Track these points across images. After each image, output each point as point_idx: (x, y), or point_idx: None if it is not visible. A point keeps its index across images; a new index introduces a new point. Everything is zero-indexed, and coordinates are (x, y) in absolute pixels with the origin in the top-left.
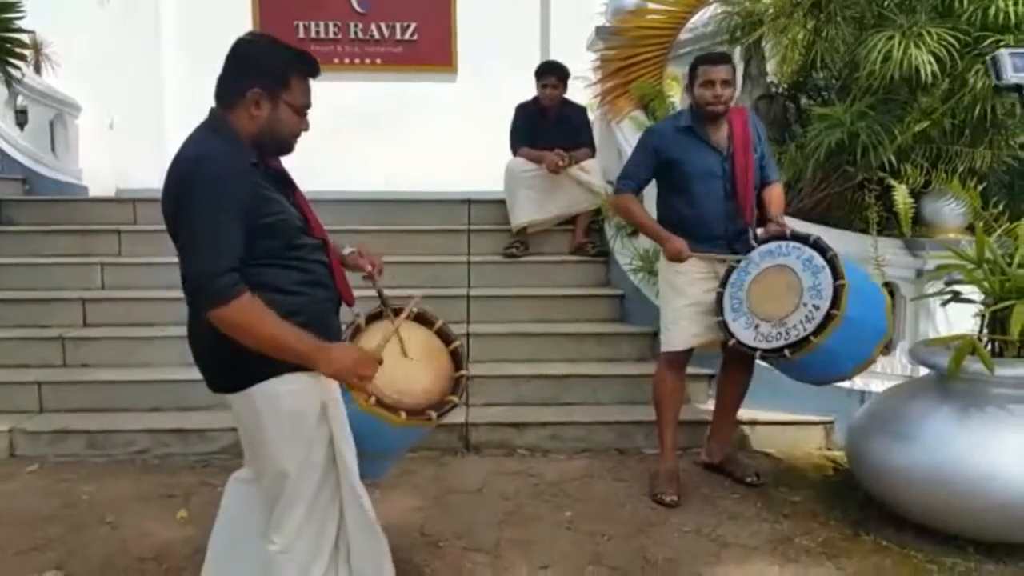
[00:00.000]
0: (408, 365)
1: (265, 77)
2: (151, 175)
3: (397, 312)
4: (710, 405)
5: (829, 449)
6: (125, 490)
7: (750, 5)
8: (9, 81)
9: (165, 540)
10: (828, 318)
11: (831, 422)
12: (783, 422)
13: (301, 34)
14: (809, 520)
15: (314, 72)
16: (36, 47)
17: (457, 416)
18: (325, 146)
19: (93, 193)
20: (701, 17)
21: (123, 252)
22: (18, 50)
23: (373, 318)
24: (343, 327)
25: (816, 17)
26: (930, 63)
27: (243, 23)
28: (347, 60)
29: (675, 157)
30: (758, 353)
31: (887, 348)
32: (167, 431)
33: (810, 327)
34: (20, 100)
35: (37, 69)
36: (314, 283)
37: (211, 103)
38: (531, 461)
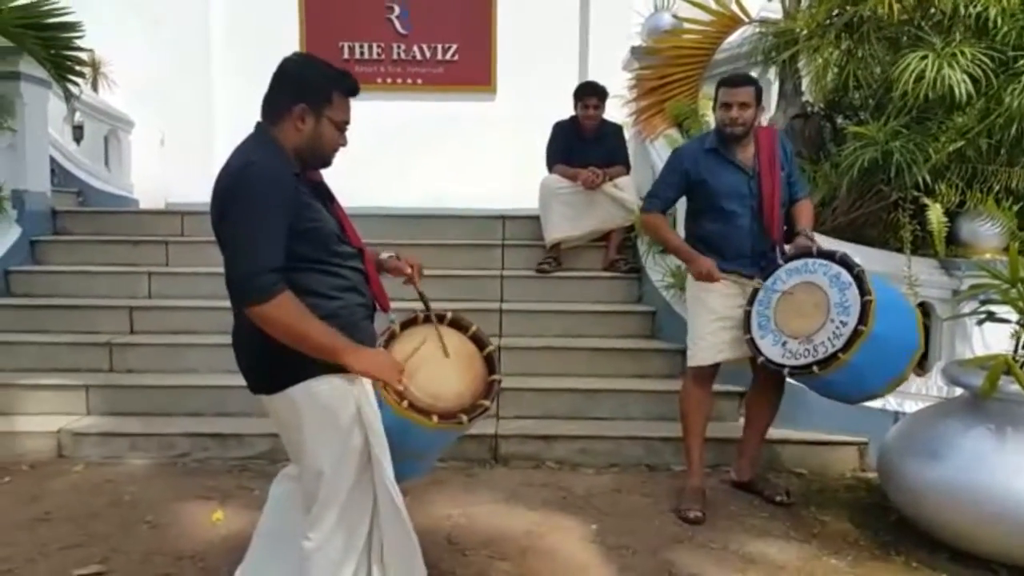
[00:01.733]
0: (442, 369)
1: (310, 94)
2: (199, 190)
3: (439, 318)
4: (740, 423)
5: (863, 470)
6: (165, 491)
7: (784, 25)
8: (68, 97)
9: (202, 540)
10: (855, 334)
11: (865, 443)
12: (815, 442)
13: (345, 55)
14: (839, 540)
15: (354, 91)
16: (94, 65)
17: (487, 428)
18: (367, 163)
19: (143, 206)
20: (736, 37)
21: (170, 262)
22: (77, 67)
23: (408, 324)
24: (378, 333)
25: (849, 37)
26: (964, 82)
27: (290, 45)
28: (389, 80)
29: (702, 178)
30: (786, 370)
31: (922, 369)
32: (207, 435)
33: (838, 343)
34: (77, 116)
35: (94, 87)
36: (349, 288)
37: (258, 120)
38: (560, 474)
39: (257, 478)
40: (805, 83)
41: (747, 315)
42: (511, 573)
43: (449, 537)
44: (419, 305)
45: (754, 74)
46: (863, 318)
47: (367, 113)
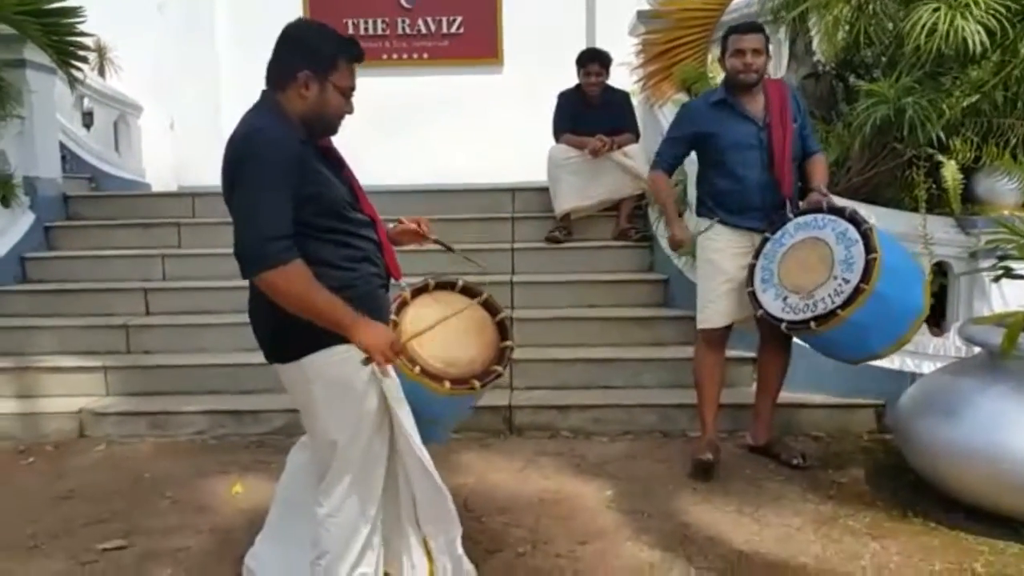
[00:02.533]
0: (454, 336)
1: (315, 60)
2: (210, 172)
3: (450, 285)
4: (754, 388)
5: (880, 432)
6: (185, 468)
7: None
8: (72, 82)
9: (222, 513)
10: (857, 292)
11: (882, 404)
12: (832, 405)
13: (351, 30)
14: (855, 501)
15: (359, 57)
16: (100, 51)
17: (501, 399)
18: (374, 140)
19: (156, 190)
20: None
21: (183, 244)
22: (80, 53)
23: (419, 291)
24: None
25: None
26: (979, 33)
27: None
28: (395, 55)
29: (710, 131)
30: (784, 325)
31: (939, 328)
32: (224, 413)
33: (838, 300)
34: (86, 103)
35: (101, 72)
36: (362, 259)
37: (263, 88)
38: (574, 443)
39: (274, 453)
40: (816, 42)
41: (751, 268)
42: (526, 538)
43: (465, 504)
44: (428, 275)
45: None
46: (866, 276)
47: (373, 89)
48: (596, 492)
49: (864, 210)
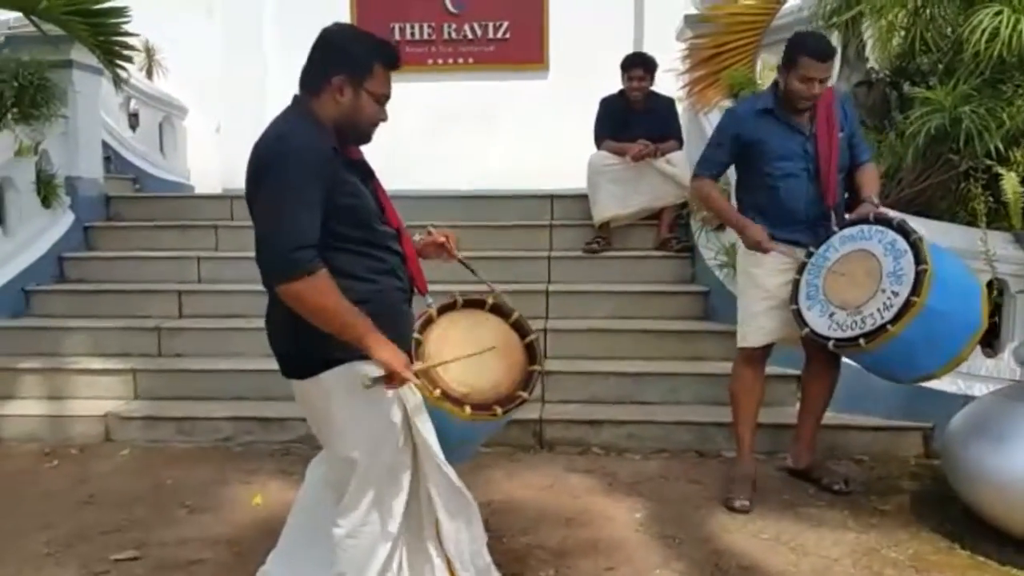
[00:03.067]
0: (479, 358)
1: (350, 65)
2: None
3: (480, 303)
4: (797, 407)
5: (927, 457)
6: (207, 475)
7: None
8: (117, 82)
9: (240, 524)
10: (907, 305)
11: (930, 428)
12: (877, 427)
13: (397, 36)
14: (899, 531)
15: (395, 63)
16: (148, 52)
17: (531, 412)
18: (418, 145)
19: (201, 192)
20: (796, 0)
21: (219, 247)
22: (125, 52)
23: (446, 309)
24: (415, 317)
25: None
26: None
27: None
28: (441, 61)
29: (756, 139)
30: (831, 343)
31: (992, 350)
32: (251, 419)
33: (888, 315)
34: (132, 104)
35: (148, 74)
36: (386, 272)
37: (295, 93)
38: (605, 460)
39: (299, 462)
40: (869, 47)
41: (795, 284)
42: (549, 562)
43: (488, 523)
44: (457, 288)
45: None
46: (916, 288)
47: (418, 94)
48: (626, 513)
49: (916, 223)
